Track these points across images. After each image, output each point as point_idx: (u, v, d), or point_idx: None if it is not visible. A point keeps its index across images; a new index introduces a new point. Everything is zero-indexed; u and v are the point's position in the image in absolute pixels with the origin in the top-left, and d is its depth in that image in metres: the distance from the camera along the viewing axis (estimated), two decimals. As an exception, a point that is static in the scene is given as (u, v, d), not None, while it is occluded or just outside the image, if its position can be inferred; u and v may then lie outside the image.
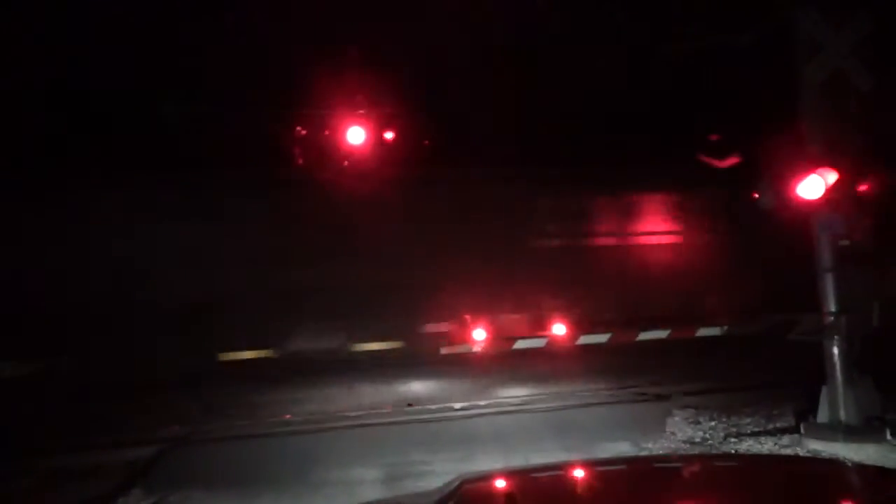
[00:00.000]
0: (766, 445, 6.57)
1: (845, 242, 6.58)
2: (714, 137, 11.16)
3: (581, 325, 11.55)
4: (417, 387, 10.72)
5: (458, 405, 9.23)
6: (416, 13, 8.17)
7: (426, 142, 11.01)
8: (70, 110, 9.79)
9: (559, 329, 11.59)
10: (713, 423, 7.35)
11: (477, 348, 11.43)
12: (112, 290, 11.21)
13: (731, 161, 11.05)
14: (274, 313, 11.54)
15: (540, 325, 11.80)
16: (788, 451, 6.32)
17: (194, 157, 10.61)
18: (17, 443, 7.45)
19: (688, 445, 6.81)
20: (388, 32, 8.55)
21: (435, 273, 11.82)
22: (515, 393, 9.81)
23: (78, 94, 9.54)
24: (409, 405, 9.25)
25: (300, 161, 10.63)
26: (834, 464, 3.52)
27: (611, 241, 14.01)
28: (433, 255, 11.97)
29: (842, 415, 6.41)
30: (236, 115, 10.25)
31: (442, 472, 5.89)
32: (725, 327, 11.08)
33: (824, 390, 6.55)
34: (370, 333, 12.20)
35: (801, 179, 6.41)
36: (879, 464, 2.66)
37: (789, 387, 7.89)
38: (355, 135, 9.83)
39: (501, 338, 11.42)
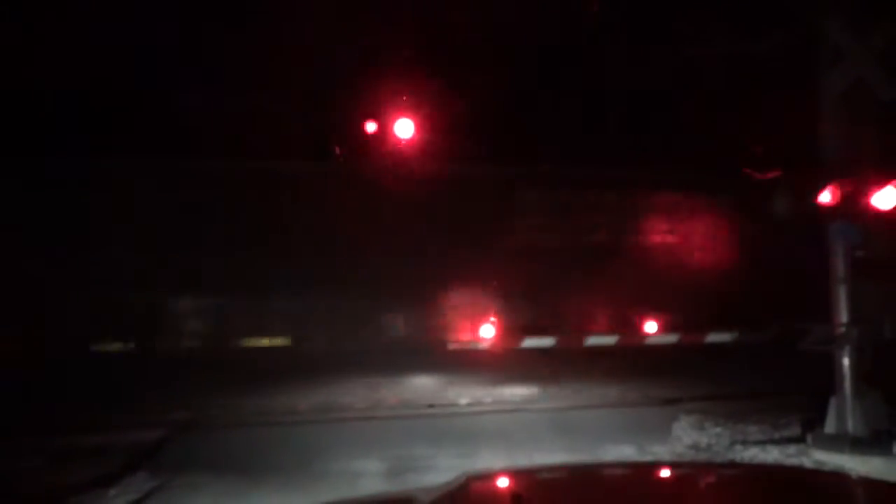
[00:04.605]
0: (772, 454, 6.52)
1: (860, 253, 6.52)
2: (757, 149, 10.97)
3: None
4: (423, 382, 10.74)
5: (463, 401, 9.24)
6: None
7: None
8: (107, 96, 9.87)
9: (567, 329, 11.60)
10: (719, 430, 7.30)
11: (484, 345, 11.45)
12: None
13: (773, 173, 10.81)
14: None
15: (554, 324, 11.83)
16: (794, 461, 6.27)
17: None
18: (25, 422, 7.55)
19: (693, 451, 6.78)
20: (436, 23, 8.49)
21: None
22: (521, 391, 9.81)
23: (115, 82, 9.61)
24: (431, 406, 9.14)
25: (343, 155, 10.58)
26: (838, 477, 3.50)
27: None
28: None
29: (849, 426, 6.35)
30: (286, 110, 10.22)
31: (445, 467, 5.91)
32: (736, 334, 11.03)
33: (832, 401, 6.50)
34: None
35: (819, 188, 6.37)
36: (885, 477, 2.64)
37: (797, 396, 7.84)
38: (403, 128, 9.31)
39: (509, 335, 11.43)
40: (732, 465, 5.33)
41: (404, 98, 9.26)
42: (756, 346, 10.85)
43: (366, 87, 9.30)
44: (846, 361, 6.45)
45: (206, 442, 7.41)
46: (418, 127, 9.36)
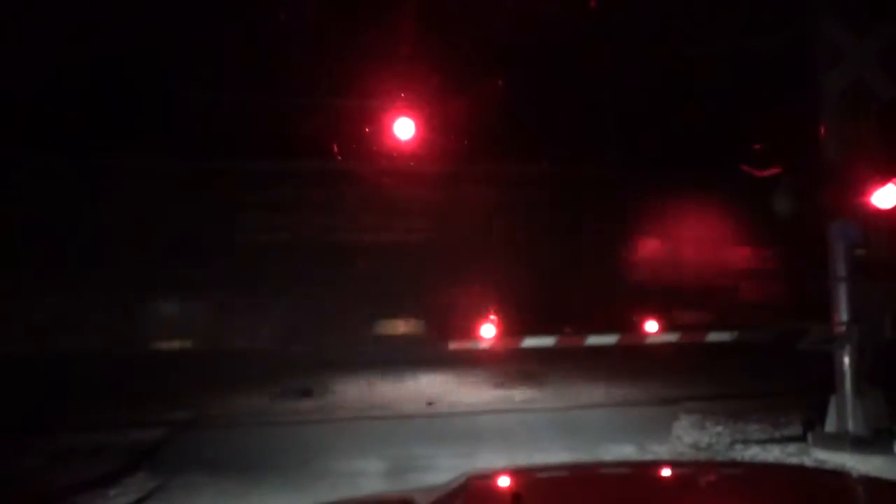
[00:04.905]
0: (773, 453, 6.52)
1: (861, 252, 6.51)
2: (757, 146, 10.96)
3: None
4: (425, 381, 10.73)
5: (463, 401, 9.24)
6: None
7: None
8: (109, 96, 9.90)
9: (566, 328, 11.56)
10: (720, 429, 7.30)
11: (485, 345, 11.42)
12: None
13: (773, 170, 10.78)
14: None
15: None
16: (794, 460, 6.27)
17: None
18: (25, 422, 7.54)
19: (693, 450, 6.78)
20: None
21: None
22: (521, 391, 9.80)
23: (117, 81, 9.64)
24: (430, 403, 9.16)
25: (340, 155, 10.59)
26: (839, 475, 3.50)
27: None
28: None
29: (850, 425, 6.36)
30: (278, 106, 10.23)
31: (445, 467, 5.89)
32: (735, 334, 10.99)
33: (833, 400, 6.50)
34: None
35: (819, 187, 6.38)
36: (886, 476, 2.64)
37: (797, 395, 7.83)
38: (403, 128, 8.98)
39: (510, 335, 11.39)
40: (733, 464, 5.33)
41: (402, 96, 9.25)
42: (756, 346, 10.83)
43: (366, 86, 9.31)
44: (846, 360, 6.45)
45: (207, 442, 7.41)
46: (418, 127, 9.32)
